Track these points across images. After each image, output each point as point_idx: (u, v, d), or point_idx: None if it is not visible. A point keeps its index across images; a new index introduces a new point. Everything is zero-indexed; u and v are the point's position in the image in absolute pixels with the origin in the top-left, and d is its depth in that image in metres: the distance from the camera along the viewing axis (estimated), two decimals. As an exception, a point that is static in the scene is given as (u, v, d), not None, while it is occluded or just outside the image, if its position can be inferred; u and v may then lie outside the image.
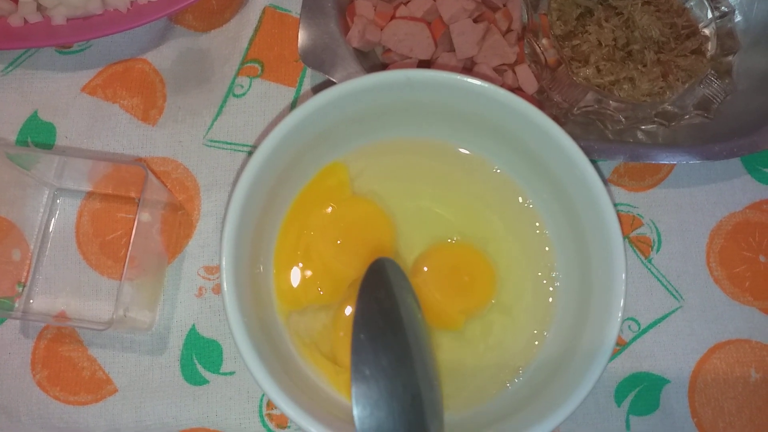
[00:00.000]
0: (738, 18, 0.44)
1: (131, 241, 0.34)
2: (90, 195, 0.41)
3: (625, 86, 0.41)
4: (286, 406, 0.30)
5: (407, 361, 0.31)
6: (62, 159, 0.37)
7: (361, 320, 0.31)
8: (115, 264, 0.40)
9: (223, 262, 0.32)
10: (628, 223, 0.43)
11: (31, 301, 0.39)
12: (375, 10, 0.41)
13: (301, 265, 0.37)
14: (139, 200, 0.39)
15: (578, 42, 0.42)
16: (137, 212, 0.35)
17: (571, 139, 0.33)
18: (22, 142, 0.42)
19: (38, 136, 0.42)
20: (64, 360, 0.39)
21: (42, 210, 0.41)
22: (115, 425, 0.38)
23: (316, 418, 0.31)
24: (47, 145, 0.42)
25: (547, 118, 0.33)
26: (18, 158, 0.38)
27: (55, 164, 0.38)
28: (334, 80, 0.39)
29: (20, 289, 0.39)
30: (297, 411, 0.30)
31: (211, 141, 0.43)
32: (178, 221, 0.41)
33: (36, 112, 0.43)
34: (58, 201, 0.41)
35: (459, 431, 0.34)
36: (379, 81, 0.34)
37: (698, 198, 0.43)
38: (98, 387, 0.39)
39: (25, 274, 0.40)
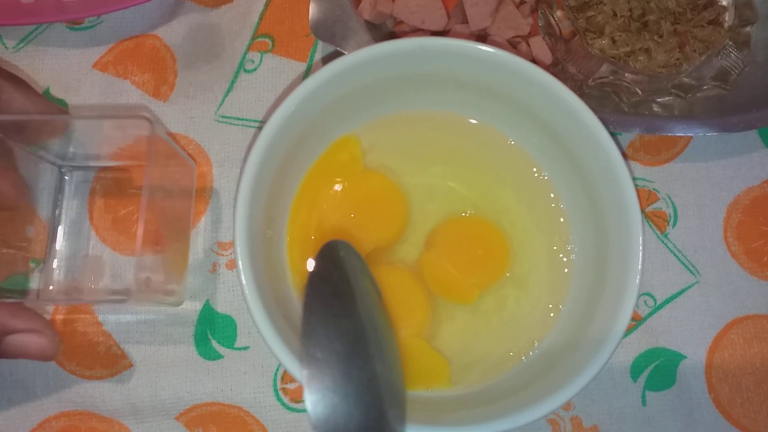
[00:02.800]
0: (757, -12, 0.43)
1: (143, 203, 0.32)
2: (101, 170, 0.41)
3: (640, 57, 0.40)
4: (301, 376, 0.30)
5: (362, 344, 0.29)
6: (67, 132, 0.36)
7: (311, 304, 0.29)
8: (128, 240, 0.40)
9: (237, 236, 0.32)
10: (644, 197, 0.42)
11: (47, 277, 0.40)
12: (387, -18, 0.41)
13: (313, 238, 0.37)
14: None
15: (593, 13, 0.41)
16: (146, 170, 0.33)
17: (588, 108, 0.33)
18: (34, 119, 0.42)
19: (50, 112, 0.42)
20: (80, 335, 0.39)
21: (54, 185, 0.41)
22: (131, 399, 0.38)
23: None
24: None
25: (563, 86, 0.33)
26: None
27: (59, 139, 0.38)
28: (345, 53, 0.39)
29: (34, 264, 0.40)
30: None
31: (223, 117, 0.42)
32: (192, 178, 0.40)
33: (48, 89, 0.43)
34: (66, 177, 0.41)
35: (473, 404, 0.34)
36: (391, 50, 0.33)
37: (715, 172, 0.43)
38: (113, 362, 0.39)
39: (39, 250, 0.40)
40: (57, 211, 0.40)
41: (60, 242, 0.40)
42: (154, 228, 0.35)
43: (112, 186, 0.41)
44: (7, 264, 0.38)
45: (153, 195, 0.33)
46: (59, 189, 0.41)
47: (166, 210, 0.36)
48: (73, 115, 0.38)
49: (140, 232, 0.32)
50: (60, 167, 0.41)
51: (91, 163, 0.41)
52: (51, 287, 0.39)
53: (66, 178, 0.41)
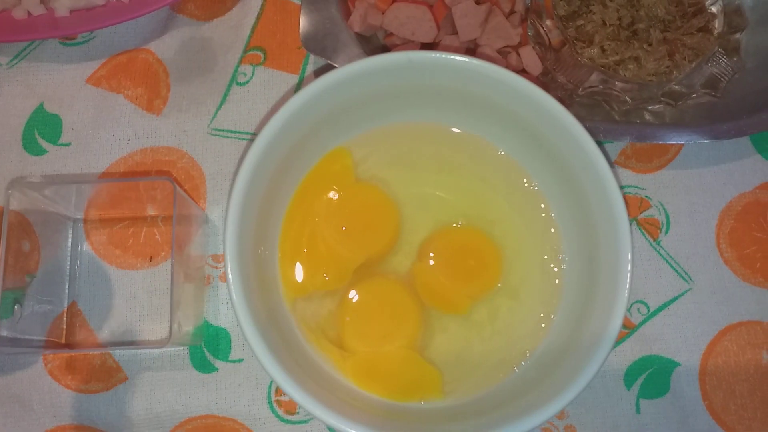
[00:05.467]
0: (746, -6, 0.44)
1: (172, 256, 0.34)
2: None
3: (630, 66, 0.41)
4: (293, 391, 0.30)
5: None
6: (79, 188, 0.37)
7: None
8: (123, 253, 0.41)
9: (228, 250, 0.32)
10: (636, 205, 0.42)
11: (39, 294, 0.40)
12: (376, -6, 0.41)
13: (306, 251, 0.37)
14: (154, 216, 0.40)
15: (582, 22, 0.41)
16: (173, 228, 0.35)
17: (575, 119, 0.33)
18: (29, 134, 0.42)
19: (45, 128, 0.42)
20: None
21: (70, 238, 0.41)
22: (126, 413, 0.38)
23: (324, 403, 0.31)
24: (54, 136, 0.42)
25: (551, 98, 0.33)
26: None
27: (73, 198, 0.39)
28: (336, 65, 0.39)
29: (29, 279, 0.40)
30: (304, 396, 0.30)
31: (216, 130, 0.43)
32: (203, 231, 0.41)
33: (42, 104, 0.43)
34: (80, 227, 0.41)
35: (466, 415, 0.34)
36: (380, 63, 0.34)
37: (707, 179, 0.43)
38: (109, 375, 0.39)
39: (34, 265, 0.40)
40: (77, 265, 0.41)
41: (56, 256, 0.40)
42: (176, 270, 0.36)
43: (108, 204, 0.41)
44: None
45: (179, 251, 0.35)
46: (75, 240, 0.41)
47: (185, 260, 0.37)
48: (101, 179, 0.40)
49: (174, 288, 0.34)
50: (74, 220, 0.41)
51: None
52: (45, 302, 0.40)
53: (80, 226, 0.41)
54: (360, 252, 0.37)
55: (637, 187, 0.43)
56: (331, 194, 0.38)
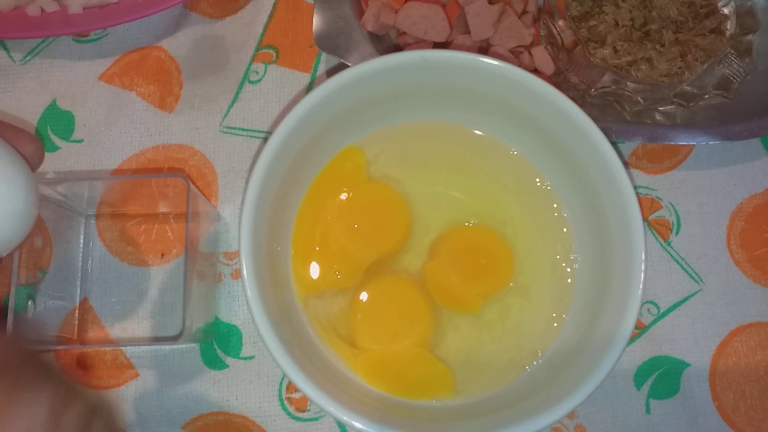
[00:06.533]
0: (758, -4, 0.44)
1: (185, 252, 0.34)
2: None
3: (642, 67, 0.41)
4: (306, 387, 0.30)
5: None
6: (91, 185, 0.38)
7: None
8: (135, 250, 0.41)
9: (243, 247, 0.32)
10: (647, 205, 0.42)
11: (52, 290, 0.40)
12: (389, -7, 0.41)
13: (318, 249, 0.37)
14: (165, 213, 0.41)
15: (595, 22, 0.41)
16: (186, 225, 0.35)
17: (590, 119, 0.33)
18: (42, 130, 0.43)
19: (57, 124, 0.43)
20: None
21: (82, 234, 0.41)
22: (138, 409, 0.38)
23: (336, 399, 0.31)
24: (67, 133, 0.43)
25: (565, 97, 0.33)
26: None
27: (86, 194, 0.39)
28: (349, 64, 0.39)
29: (41, 275, 0.40)
30: (317, 392, 0.30)
31: (228, 128, 0.43)
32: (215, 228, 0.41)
33: (55, 101, 0.43)
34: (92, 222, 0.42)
35: (477, 414, 0.34)
36: (394, 62, 0.34)
37: (718, 180, 0.43)
38: (120, 371, 0.39)
39: (46, 260, 0.40)
40: (89, 261, 0.41)
41: (68, 252, 0.41)
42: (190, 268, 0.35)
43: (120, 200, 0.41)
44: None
45: (192, 248, 0.35)
46: (87, 236, 0.41)
47: (197, 257, 0.37)
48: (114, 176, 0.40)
49: (186, 284, 0.34)
50: (86, 217, 0.41)
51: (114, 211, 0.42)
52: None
53: (92, 223, 0.41)
54: (372, 250, 0.37)
55: (648, 187, 0.43)
56: (344, 193, 0.38)
